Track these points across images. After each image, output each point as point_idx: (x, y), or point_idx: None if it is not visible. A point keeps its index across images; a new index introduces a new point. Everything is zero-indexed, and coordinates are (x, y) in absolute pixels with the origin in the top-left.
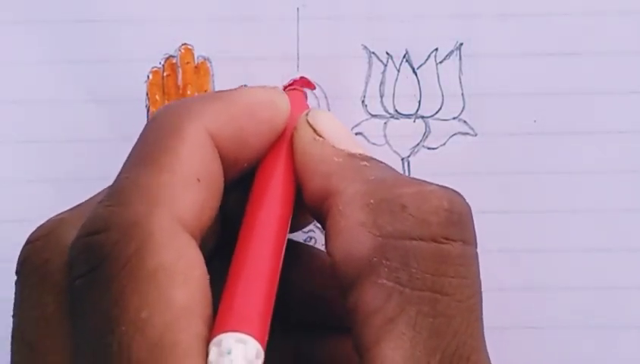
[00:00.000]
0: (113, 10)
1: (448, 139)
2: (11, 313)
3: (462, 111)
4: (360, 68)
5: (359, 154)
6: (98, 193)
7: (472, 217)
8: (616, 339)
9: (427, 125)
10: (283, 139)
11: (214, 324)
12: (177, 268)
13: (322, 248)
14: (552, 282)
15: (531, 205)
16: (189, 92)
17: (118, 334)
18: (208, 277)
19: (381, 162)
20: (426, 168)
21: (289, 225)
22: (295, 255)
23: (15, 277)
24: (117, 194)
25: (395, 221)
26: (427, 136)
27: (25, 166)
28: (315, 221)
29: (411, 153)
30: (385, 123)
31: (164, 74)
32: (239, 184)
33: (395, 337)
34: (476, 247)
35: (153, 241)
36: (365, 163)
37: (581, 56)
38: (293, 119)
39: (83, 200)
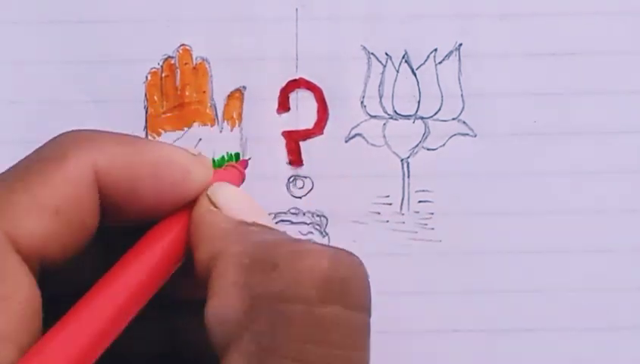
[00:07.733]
0: (112, 10)
1: (448, 140)
2: None
3: (461, 111)
4: (359, 69)
5: (254, 222)
6: None
7: (364, 281)
8: (617, 340)
9: (426, 126)
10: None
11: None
12: None
13: None
14: (552, 283)
15: (531, 205)
16: (187, 93)
17: None
18: (37, 302)
19: (282, 232)
20: (425, 169)
21: (152, 292)
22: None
23: None
24: None
25: (265, 280)
26: (426, 137)
27: None
28: None
29: (410, 154)
30: (384, 123)
31: (163, 75)
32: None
33: None
34: (366, 315)
35: None
36: (254, 228)
37: (581, 56)
38: None
39: None
